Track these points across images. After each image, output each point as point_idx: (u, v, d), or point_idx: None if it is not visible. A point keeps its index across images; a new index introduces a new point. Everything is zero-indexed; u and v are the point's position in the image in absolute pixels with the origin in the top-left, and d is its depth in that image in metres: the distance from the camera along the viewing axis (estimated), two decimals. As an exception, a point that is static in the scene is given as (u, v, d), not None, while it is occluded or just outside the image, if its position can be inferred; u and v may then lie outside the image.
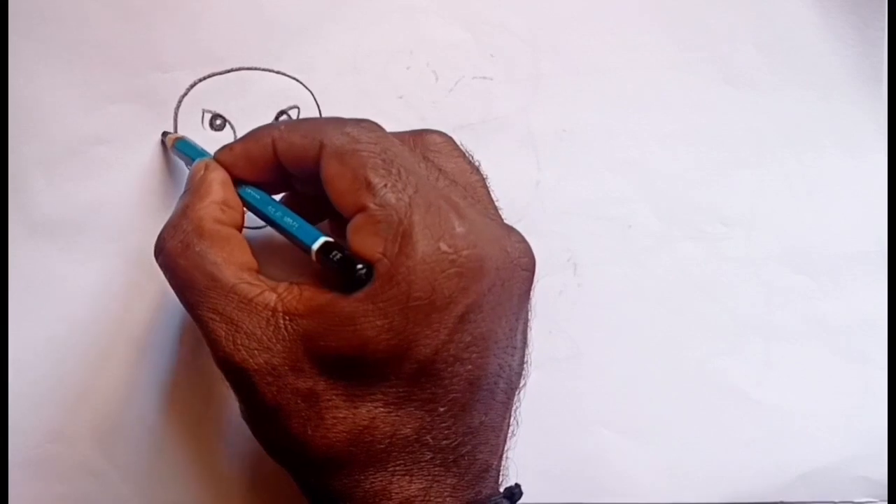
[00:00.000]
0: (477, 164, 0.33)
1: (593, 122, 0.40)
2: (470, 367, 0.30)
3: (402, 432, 0.30)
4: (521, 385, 0.33)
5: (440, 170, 0.32)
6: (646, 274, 0.41)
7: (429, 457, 0.30)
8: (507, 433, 0.33)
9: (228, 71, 0.38)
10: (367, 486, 0.30)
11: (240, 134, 0.38)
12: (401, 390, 0.30)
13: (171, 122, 0.38)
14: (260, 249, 0.34)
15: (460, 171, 0.33)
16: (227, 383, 0.31)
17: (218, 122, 0.38)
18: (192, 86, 0.38)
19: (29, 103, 0.37)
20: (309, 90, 0.39)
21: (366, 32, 0.39)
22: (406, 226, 0.29)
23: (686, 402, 0.41)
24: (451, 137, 0.33)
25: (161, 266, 0.32)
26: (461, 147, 0.33)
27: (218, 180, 0.33)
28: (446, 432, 0.30)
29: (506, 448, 0.33)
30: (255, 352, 0.30)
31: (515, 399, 0.33)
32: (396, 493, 0.30)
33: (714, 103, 0.41)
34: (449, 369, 0.30)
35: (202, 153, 0.35)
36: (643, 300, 0.41)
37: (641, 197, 0.41)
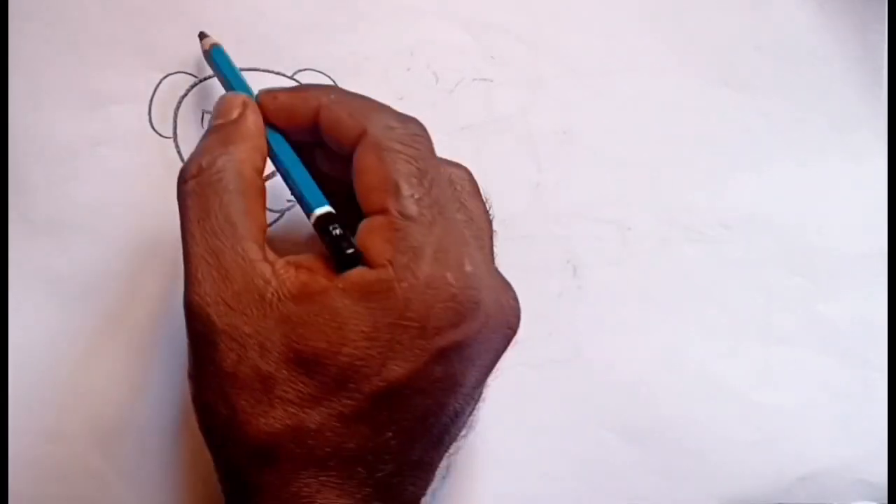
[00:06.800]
0: (492, 215, 0.33)
1: (593, 123, 0.40)
2: (430, 402, 0.29)
3: (346, 446, 0.29)
4: (463, 435, 0.32)
5: (462, 203, 0.32)
6: (645, 276, 0.41)
7: (362, 476, 0.29)
8: (437, 472, 0.32)
9: (229, 72, 0.38)
10: (294, 489, 0.29)
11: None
12: (358, 406, 0.29)
13: (171, 122, 0.38)
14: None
15: (477, 212, 0.32)
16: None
17: (218, 122, 0.38)
18: (193, 86, 0.38)
19: (29, 103, 0.37)
20: (309, 91, 0.39)
21: (366, 34, 0.39)
22: (420, 244, 0.29)
23: (685, 403, 0.41)
24: (473, 176, 0.33)
25: (187, 189, 0.31)
26: (482, 190, 0.33)
27: (258, 124, 0.32)
28: (386, 458, 0.29)
29: (431, 483, 0.32)
30: (232, 312, 0.29)
31: (454, 447, 0.32)
32: None
33: (714, 105, 0.41)
34: (410, 399, 0.29)
35: (239, 80, 0.35)
36: (643, 302, 0.41)
37: (641, 199, 0.41)
